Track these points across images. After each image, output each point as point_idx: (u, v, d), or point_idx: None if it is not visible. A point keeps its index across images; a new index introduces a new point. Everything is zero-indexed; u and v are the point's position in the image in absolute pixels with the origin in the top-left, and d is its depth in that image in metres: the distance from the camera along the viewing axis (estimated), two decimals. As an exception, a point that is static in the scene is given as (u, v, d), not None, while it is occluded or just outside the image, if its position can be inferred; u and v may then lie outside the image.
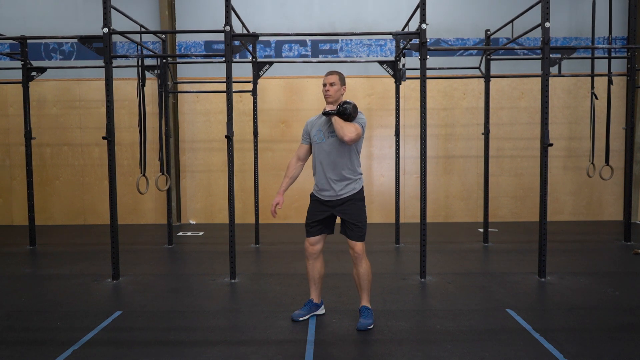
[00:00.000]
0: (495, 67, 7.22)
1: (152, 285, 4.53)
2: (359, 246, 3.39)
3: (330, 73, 3.42)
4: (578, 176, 8.02)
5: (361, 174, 3.48)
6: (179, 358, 2.95)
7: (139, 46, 5.58)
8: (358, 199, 3.42)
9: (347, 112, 3.28)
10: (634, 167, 7.37)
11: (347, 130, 3.23)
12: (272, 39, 7.95)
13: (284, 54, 8.03)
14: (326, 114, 3.35)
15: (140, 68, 5.33)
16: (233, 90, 4.71)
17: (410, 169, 8.13)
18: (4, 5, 7.96)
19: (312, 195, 3.54)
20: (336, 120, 3.29)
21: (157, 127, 7.19)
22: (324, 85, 3.41)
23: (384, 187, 8.12)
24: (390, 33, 4.82)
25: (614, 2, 6.95)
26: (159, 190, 6.22)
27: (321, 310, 3.65)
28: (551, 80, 7.58)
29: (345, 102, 3.31)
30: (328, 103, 3.42)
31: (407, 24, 5.75)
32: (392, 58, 7.53)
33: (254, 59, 5.94)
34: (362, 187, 3.47)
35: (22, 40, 5.93)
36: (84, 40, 4.65)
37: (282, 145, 8.09)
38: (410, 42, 4.68)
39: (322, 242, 3.54)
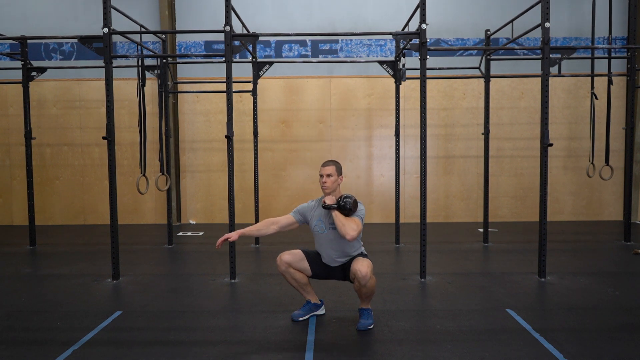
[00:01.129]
0: (495, 67, 7.22)
1: (152, 285, 4.53)
2: (365, 267, 3.24)
3: (327, 164, 3.45)
4: (578, 176, 8.02)
5: (362, 247, 3.55)
6: (179, 358, 2.95)
7: (139, 46, 5.58)
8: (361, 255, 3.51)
9: (348, 208, 3.29)
10: (634, 167, 7.37)
11: (349, 228, 3.22)
12: (272, 39, 7.96)
13: (284, 54, 8.03)
14: (326, 207, 3.35)
15: (140, 68, 5.33)
16: (233, 90, 4.71)
17: (410, 169, 8.13)
18: (4, 5, 7.97)
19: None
20: (337, 215, 3.29)
21: (157, 127, 7.19)
22: (321, 176, 3.43)
23: (384, 187, 8.12)
24: (390, 33, 4.82)
25: (614, 2, 6.94)
26: (159, 190, 6.22)
27: (321, 311, 3.65)
28: (551, 80, 7.58)
29: (346, 197, 3.31)
30: (325, 194, 3.44)
31: (407, 24, 5.75)
32: (392, 58, 7.54)
33: (254, 59, 5.94)
34: (362, 251, 3.55)
35: (22, 40, 5.93)
36: (84, 40, 4.65)
37: (282, 145, 8.09)
38: (410, 42, 4.68)
39: (295, 265, 3.49)
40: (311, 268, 3.51)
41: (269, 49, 8.01)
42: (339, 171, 3.47)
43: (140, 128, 5.37)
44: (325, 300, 3.87)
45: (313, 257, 3.53)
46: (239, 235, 3.38)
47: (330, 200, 3.36)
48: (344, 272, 3.48)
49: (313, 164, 8.04)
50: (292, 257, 3.47)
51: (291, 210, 3.61)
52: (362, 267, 3.23)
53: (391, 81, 7.50)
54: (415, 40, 4.60)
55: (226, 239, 3.35)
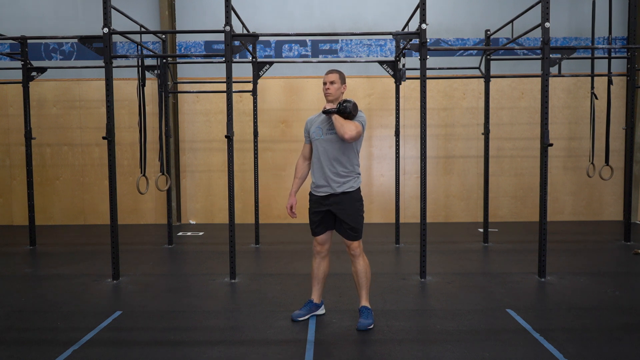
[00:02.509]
0: (495, 67, 7.22)
1: (152, 285, 4.53)
2: (354, 244, 3.41)
3: (330, 72, 3.43)
4: (578, 176, 8.02)
5: (359, 173, 3.47)
6: (179, 358, 2.95)
7: (139, 46, 5.58)
8: (355, 198, 3.40)
9: (348, 111, 3.28)
10: (634, 167, 7.36)
11: (348, 128, 3.23)
12: (272, 39, 7.96)
13: (284, 54, 8.03)
14: (326, 112, 3.35)
15: (140, 68, 5.33)
16: (233, 90, 4.71)
17: (410, 169, 8.13)
18: (4, 5, 7.96)
19: (310, 194, 3.54)
20: (336, 118, 3.29)
21: (157, 127, 7.19)
22: (324, 83, 3.42)
23: (384, 187, 8.12)
24: (390, 33, 4.82)
25: (614, 2, 6.95)
26: (159, 190, 6.22)
27: (321, 311, 3.65)
28: (551, 80, 7.58)
29: (346, 101, 3.30)
30: (328, 101, 3.42)
31: (407, 24, 5.75)
32: (392, 58, 7.54)
33: (254, 59, 5.94)
34: (360, 187, 3.46)
35: (22, 40, 5.93)
36: (84, 40, 4.65)
37: (282, 145, 8.09)
38: (410, 42, 4.68)
39: (329, 241, 3.55)
40: (326, 229, 3.49)
41: (269, 49, 8.01)
42: (342, 80, 3.45)
43: (140, 128, 5.37)
44: (325, 300, 3.87)
45: (315, 221, 3.50)
46: (295, 196, 3.58)
47: (331, 106, 3.37)
48: (336, 211, 3.39)
49: (313, 164, 8.03)
50: (322, 240, 3.52)
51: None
52: (352, 245, 3.41)
53: (391, 81, 7.50)
54: (415, 40, 4.60)
55: (292, 208, 3.55)
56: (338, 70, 3.45)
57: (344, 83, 3.45)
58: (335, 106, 3.35)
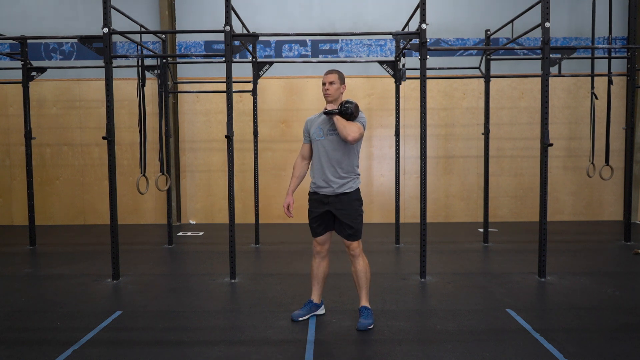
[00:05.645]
0: (495, 67, 7.22)
1: (152, 285, 4.53)
2: (354, 244, 3.40)
3: (330, 72, 3.42)
4: (578, 176, 8.02)
5: (359, 174, 3.47)
6: (179, 358, 2.95)
7: (139, 46, 5.58)
8: (354, 198, 3.40)
9: (349, 112, 3.27)
10: (634, 167, 7.36)
11: (351, 129, 3.23)
12: (272, 39, 7.96)
13: (284, 54, 8.03)
14: (327, 113, 3.34)
15: (140, 68, 5.33)
16: (233, 90, 4.71)
17: (410, 169, 8.13)
18: (4, 5, 7.96)
19: (309, 194, 3.54)
20: (338, 119, 3.28)
21: (157, 127, 7.19)
22: (324, 84, 3.40)
23: (384, 187, 8.11)
24: (390, 33, 4.82)
25: (614, 2, 6.95)
26: (159, 190, 6.22)
27: (321, 311, 3.65)
28: (551, 80, 7.58)
29: (347, 102, 3.29)
30: (328, 102, 3.41)
31: (407, 24, 5.75)
32: (392, 58, 7.53)
33: (254, 59, 5.94)
34: (359, 188, 3.46)
35: (22, 40, 5.93)
36: (84, 40, 4.65)
37: (282, 145, 8.09)
38: (410, 42, 4.68)
39: (329, 241, 3.55)
40: (325, 229, 3.49)
41: (269, 49, 8.01)
42: (342, 80, 3.44)
43: (140, 128, 5.37)
44: (325, 300, 3.87)
45: (314, 221, 3.49)
46: (292, 195, 3.55)
47: (331, 106, 3.36)
48: (335, 211, 3.39)
49: (313, 164, 8.03)
50: (322, 240, 3.51)
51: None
52: (352, 245, 3.39)
53: (391, 81, 7.50)
54: (415, 40, 4.60)
55: (288, 207, 3.51)
56: (337, 70, 3.44)
57: (344, 83, 3.44)
58: (336, 107, 3.35)
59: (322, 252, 3.54)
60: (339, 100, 3.41)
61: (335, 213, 3.38)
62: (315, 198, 3.48)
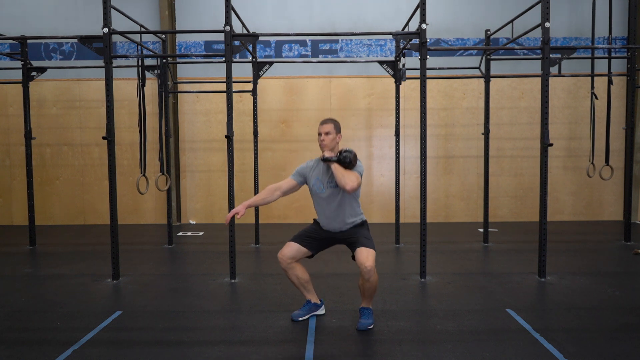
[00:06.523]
0: (495, 67, 7.21)
1: (152, 285, 4.53)
2: (370, 261, 3.20)
3: (325, 122, 3.42)
4: (578, 176, 8.02)
5: (362, 213, 3.50)
6: (179, 358, 2.95)
7: (139, 46, 5.58)
8: (361, 224, 3.45)
9: (348, 161, 3.26)
10: (634, 167, 7.36)
11: (349, 179, 3.21)
12: (272, 39, 7.96)
13: (284, 54, 8.03)
14: (326, 160, 3.33)
15: (140, 68, 5.33)
16: (233, 90, 4.70)
17: (410, 169, 8.13)
18: (4, 5, 7.97)
19: (315, 220, 3.55)
20: (336, 168, 3.27)
21: (157, 127, 7.19)
22: (319, 134, 3.40)
23: (384, 187, 8.12)
24: (390, 33, 4.82)
25: (614, 2, 6.95)
26: (159, 190, 6.22)
27: (321, 311, 3.65)
28: (551, 80, 7.58)
29: (346, 150, 3.28)
30: (324, 152, 3.40)
31: (407, 24, 5.75)
32: (392, 58, 7.53)
33: (254, 59, 5.94)
34: (365, 220, 3.50)
35: (22, 40, 5.93)
36: (84, 40, 4.65)
37: (282, 145, 8.09)
38: (410, 42, 4.68)
39: (297, 256, 3.47)
40: (310, 248, 3.48)
41: (269, 49, 8.01)
42: (338, 129, 3.44)
43: (140, 128, 5.37)
44: (325, 300, 3.87)
45: (309, 235, 3.49)
46: (245, 208, 3.32)
47: (329, 154, 3.35)
48: (345, 240, 3.42)
49: (313, 164, 8.03)
50: (291, 250, 3.44)
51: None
52: (368, 261, 3.17)
53: (391, 81, 7.50)
54: (415, 40, 4.60)
55: (234, 215, 3.33)
56: (333, 119, 3.45)
57: (339, 132, 3.44)
58: (334, 155, 3.34)
59: (291, 264, 3.46)
60: (336, 149, 3.42)
61: (348, 240, 3.40)
62: (322, 228, 3.50)
